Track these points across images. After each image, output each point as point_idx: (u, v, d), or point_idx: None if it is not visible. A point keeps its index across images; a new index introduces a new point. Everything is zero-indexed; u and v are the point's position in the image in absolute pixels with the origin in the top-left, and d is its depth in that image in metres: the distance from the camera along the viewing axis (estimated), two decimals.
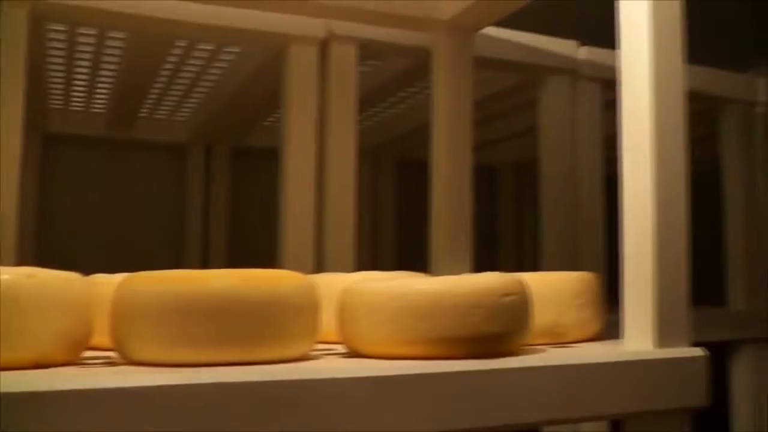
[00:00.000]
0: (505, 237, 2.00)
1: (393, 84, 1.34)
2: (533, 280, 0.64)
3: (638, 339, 0.63)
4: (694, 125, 1.47)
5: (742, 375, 1.35)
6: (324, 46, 1.08)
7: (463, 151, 1.00)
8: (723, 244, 1.40)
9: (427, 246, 1.00)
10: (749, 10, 1.66)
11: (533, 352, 0.62)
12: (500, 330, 0.56)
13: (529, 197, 1.90)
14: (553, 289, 0.68)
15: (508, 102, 1.38)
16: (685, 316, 0.63)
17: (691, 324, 0.63)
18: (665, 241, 0.62)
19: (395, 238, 1.86)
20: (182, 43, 1.16)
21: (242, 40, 1.13)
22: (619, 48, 0.67)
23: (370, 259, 1.79)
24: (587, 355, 0.60)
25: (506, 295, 0.56)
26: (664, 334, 0.62)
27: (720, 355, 1.37)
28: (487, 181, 2.03)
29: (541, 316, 0.65)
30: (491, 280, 0.57)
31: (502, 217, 2.01)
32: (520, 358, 0.57)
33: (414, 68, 1.21)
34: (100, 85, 1.38)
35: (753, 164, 1.39)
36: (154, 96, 1.46)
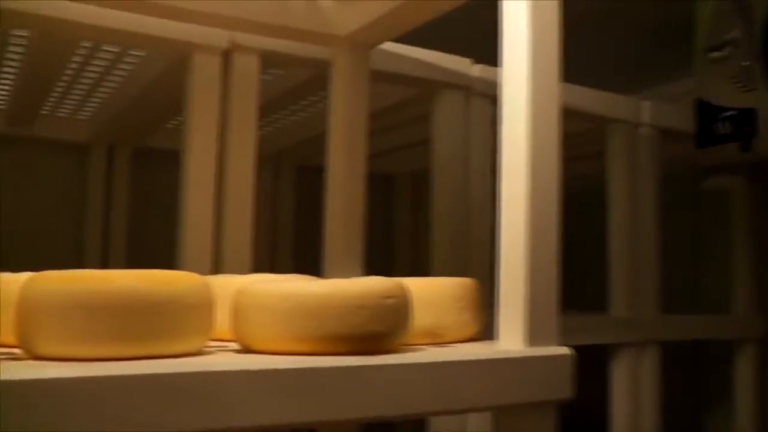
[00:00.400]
0: (401, 243, 2.07)
1: (295, 93, 1.39)
2: (416, 285, 0.71)
3: (510, 339, 0.69)
4: (585, 143, 1.57)
5: (621, 376, 1.44)
6: (227, 55, 1.11)
7: (357, 160, 1.05)
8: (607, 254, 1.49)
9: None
10: (648, 35, 1.76)
11: (413, 350, 0.68)
12: (382, 329, 0.62)
13: (426, 206, 1.97)
14: (434, 293, 0.74)
15: (407, 113, 1.44)
16: (554, 319, 0.70)
17: (559, 326, 0.70)
18: (537, 250, 0.69)
19: (293, 242, 1.90)
20: (87, 44, 1.18)
21: (147, 45, 1.15)
22: (501, 66, 0.74)
23: (268, 261, 1.83)
24: (462, 353, 0.66)
25: (388, 297, 0.62)
26: (533, 335, 0.69)
27: (602, 357, 1.47)
28: (385, 189, 2.10)
29: (422, 318, 0.71)
30: (374, 283, 0.62)
31: (398, 225, 2.08)
32: (399, 355, 0.62)
33: (315, 78, 1.26)
34: (1, 81, 1.38)
35: (637, 181, 1.49)
36: (56, 94, 1.47)
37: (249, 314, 0.62)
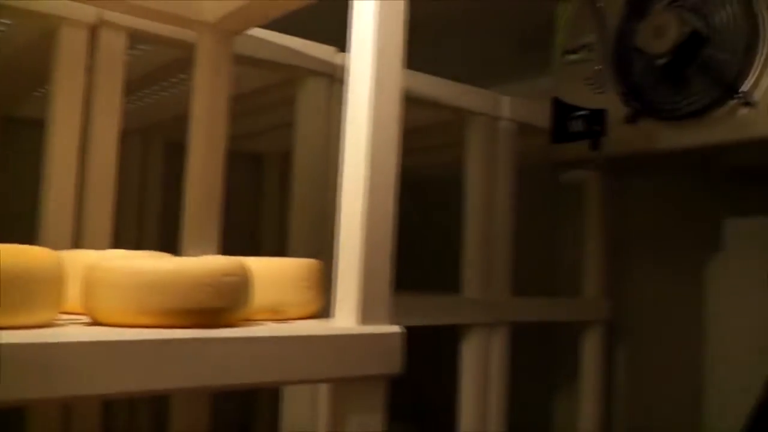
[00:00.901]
0: (269, 222, 2.13)
1: (165, 70, 1.42)
2: (259, 264, 0.77)
3: (345, 317, 0.77)
4: (445, 133, 1.66)
5: (470, 355, 1.55)
6: (94, 30, 1.14)
7: (217, 141, 1.10)
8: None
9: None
10: (514, 36, 1.87)
11: (253, 325, 0.74)
12: (221, 305, 0.68)
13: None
14: (276, 273, 0.81)
15: (277, 95, 1.49)
16: (387, 299, 0.78)
17: (391, 305, 0.78)
18: (372, 234, 0.77)
19: (161, 218, 1.93)
20: None
21: (14, 16, 1.17)
22: (348, 53, 0.81)
23: (135, 238, 1.85)
24: (296, 329, 0.73)
25: (227, 275, 0.69)
26: (366, 314, 0.76)
27: (454, 335, 1.56)
28: (255, 168, 2.14)
29: (264, 296, 0.78)
30: (216, 262, 0.69)
31: (267, 204, 2.13)
32: (237, 329, 0.69)
33: (185, 57, 1.30)
34: None
35: (494, 171, 1.59)
36: None
37: (98, 289, 0.68)
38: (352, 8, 0.81)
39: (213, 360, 0.66)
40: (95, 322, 0.70)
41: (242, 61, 1.19)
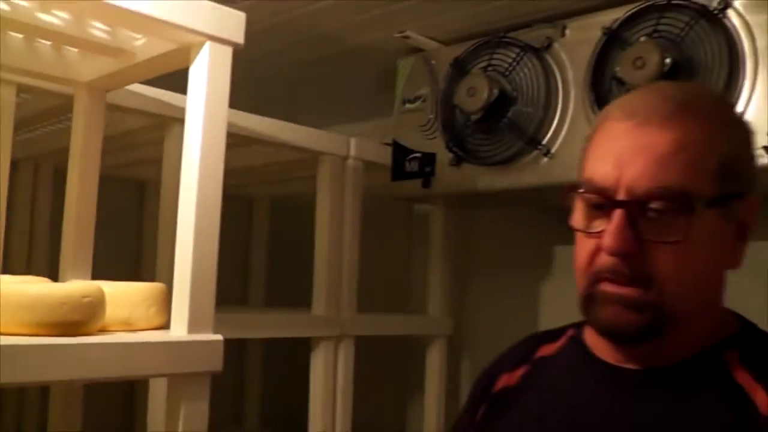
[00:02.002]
0: (151, 246, 2.37)
1: (52, 111, 1.66)
2: (115, 287, 1.05)
3: (178, 327, 1.05)
4: (303, 168, 1.94)
5: (319, 365, 1.83)
6: None
7: (91, 179, 1.35)
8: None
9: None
10: (371, 80, 2.16)
11: (106, 334, 1.02)
12: (80, 319, 0.96)
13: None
14: (127, 294, 1.09)
15: (155, 133, 1.74)
16: (211, 314, 1.07)
17: (213, 318, 1.06)
18: (198, 264, 1.06)
19: (49, 244, 2.13)
20: None
21: None
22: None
23: (24, 261, 2.07)
24: (139, 337, 1.02)
25: (85, 297, 0.96)
26: (193, 325, 1.05)
27: (306, 347, 1.85)
28: (136, 196, 2.40)
29: (118, 311, 1.06)
30: (76, 286, 0.97)
31: (147, 225, 2.37)
32: (92, 337, 0.97)
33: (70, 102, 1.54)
34: None
35: (342, 202, 1.88)
36: None
37: None
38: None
39: (76, 360, 0.93)
40: None
41: (117, 108, 1.45)
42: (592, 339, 1.00)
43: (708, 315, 0.92)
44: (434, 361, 2.12)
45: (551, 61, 1.64)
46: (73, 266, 1.31)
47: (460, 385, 2.24)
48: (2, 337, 0.90)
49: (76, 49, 1.31)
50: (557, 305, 2.06)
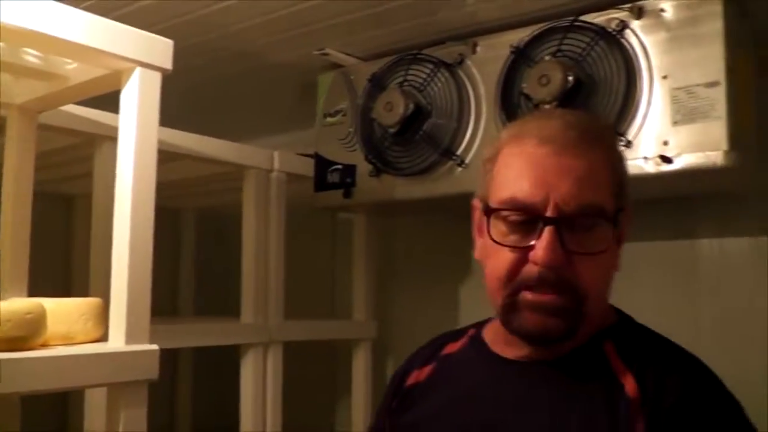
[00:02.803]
0: (82, 261, 2.39)
1: None
2: (54, 303, 1.10)
3: (117, 339, 1.11)
4: (228, 180, 2.00)
5: (248, 371, 1.89)
6: None
7: (25, 199, 1.40)
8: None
9: None
10: (296, 93, 2.23)
11: (48, 348, 1.07)
12: (23, 335, 1.01)
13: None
14: (65, 310, 1.14)
15: (85, 150, 1.78)
16: (146, 325, 1.13)
17: (148, 329, 1.12)
18: (134, 276, 1.11)
19: None
20: None
21: None
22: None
23: None
24: (79, 350, 1.07)
25: (28, 313, 1.01)
26: (131, 336, 1.10)
27: (235, 355, 1.91)
28: (64, 210, 2.41)
29: (57, 326, 1.11)
30: (19, 304, 1.02)
31: (78, 244, 2.39)
32: (36, 351, 1.03)
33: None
34: None
35: (267, 213, 1.95)
36: None
37: None
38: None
39: (17, 374, 0.98)
40: None
41: (48, 128, 1.49)
42: (491, 336, 1.11)
43: (598, 311, 1.03)
44: (360, 363, 2.20)
45: (463, 76, 1.73)
46: (11, 284, 1.35)
47: (385, 384, 2.31)
48: None
49: (8, 74, 1.35)
50: (474, 308, 2.12)
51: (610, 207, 0.97)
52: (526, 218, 0.96)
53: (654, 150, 1.47)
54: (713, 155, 1.41)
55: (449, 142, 1.73)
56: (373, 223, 2.26)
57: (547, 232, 0.93)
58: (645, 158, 1.47)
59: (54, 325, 1.10)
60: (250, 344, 1.89)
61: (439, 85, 1.76)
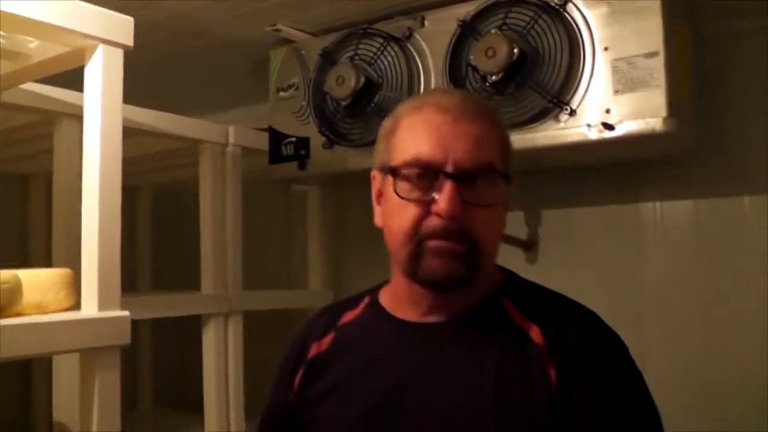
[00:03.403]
0: (37, 236, 2.42)
1: None
2: (27, 274, 1.14)
3: (89, 306, 1.16)
4: (186, 155, 2.04)
5: (210, 340, 1.94)
6: None
7: None
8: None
9: None
10: (249, 69, 2.27)
11: (23, 317, 1.11)
12: (0, 304, 1.05)
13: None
14: (38, 280, 1.19)
15: (43, 128, 1.80)
16: (117, 293, 1.18)
17: (119, 296, 1.17)
18: (104, 247, 1.16)
19: None
20: None
21: None
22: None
23: None
24: (53, 318, 1.12)
25: (4, 283, 1.06)
26: (103, 304, 1.15)
27: (194, 328, 1.96)
28: (20, 189, 2.43)
29: (31, 296, 1.15)
30: None
31: (33, 217, 2.42)
32: (12, 320, 1.07)
33: None
34: None
35: (223, 187, 2.00)
36: None
37: None
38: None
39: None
40: None
41: (10, 107, 1.52)
42: (388, 301, 1.16)
43: (490, 267, 1.12)
44: None
45: (412, 50, 1.79)
46: None
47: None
48: None
49: None
50: None
51: (501, 167, 1.07)
52: (427, 174, 1.03)
53: (597, 118, 1.54)
54: (653, 122, 1.49)
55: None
56: (327, 194, 2.32)
57: (448, 185, 1.01)
58: (588, 125, 1.54)
59: (28, 295, 1.15)
60: (211, 314, 1.94)
61: (389, 58, 1.81)
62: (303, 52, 1.97)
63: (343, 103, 1.83)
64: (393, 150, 1.09)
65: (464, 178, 1.02)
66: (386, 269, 2.28)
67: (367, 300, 1.20)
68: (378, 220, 1.14)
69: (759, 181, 1.73)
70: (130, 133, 1.77)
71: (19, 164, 2.28)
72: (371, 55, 1.84)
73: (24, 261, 2.30)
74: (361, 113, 1.84)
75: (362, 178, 2.09)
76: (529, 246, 2.01)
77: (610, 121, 1.52)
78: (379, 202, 1.14)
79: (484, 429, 0.99)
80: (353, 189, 2.37)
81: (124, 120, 1.69)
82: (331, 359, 1.15)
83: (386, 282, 1.19)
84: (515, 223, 2.00)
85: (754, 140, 1.73)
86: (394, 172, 1.05)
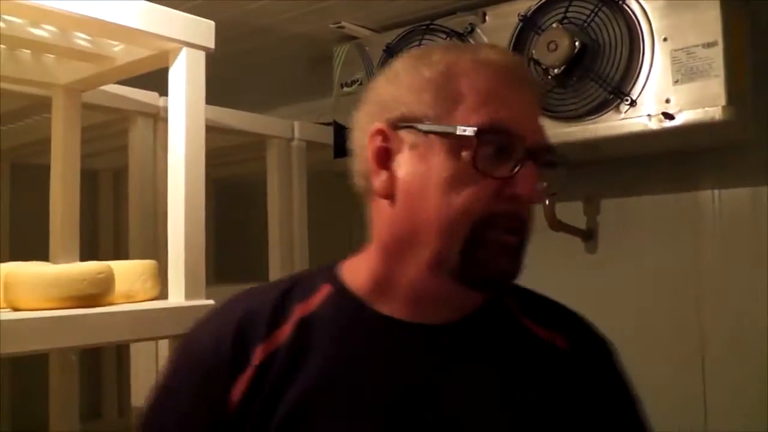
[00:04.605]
0: (105, 225, 2.51)
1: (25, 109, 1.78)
2: (117, 264, 1.22)
3: (177, 295, 1.23)
4: (251, 150, 2.11)
5: None
6: None
7: (73, 169, 1.51)
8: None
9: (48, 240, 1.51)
10: (312, 65, 2.33)
11: (116, 305, 1.19)
12: (96, 292, 1.13)
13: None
14: (127, 270, 1.26)
15: (115, 127, 1.88)
16: (202, 282, 1.25)
17: (204, 286, 1.24)
18: (190, 239, 1.22)
19: (8, 235, 2.26)
20: None
21: None
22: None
23: None
24: (147, 306, 1.19)
25: (100, 273, 1.13)
26: (189, 293, 1.22)
27: None
28: (90, 183, 2.52)
29: (121, 286, 1.22)
30: (91, 265, 1.14)
31: (101, 212, 2.52)
32: (108, 308, 1.14)
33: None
34: None
35: (290, 180, 2.06)
36: None
37: (17, 285, 1.10)
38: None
39: (91, 327, 1.10)
40: (16, 310, 1.12)
41: (90, 106, 1.59)
42: (366, 293, 0.92)
43: None
44: None
45: None
46: (64, 251, 1.46)
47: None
48: (38, 312, 1.06)
49: (52, 56, 1.45)
50: None
51: None
52: (508, 147, 0.84)
53: (656, 108, 1.57)
54: (712, 110, 1.51)
55: None
56: None
57: (531, 165, 0.84)
58: (648, 116, 1.57)
59: (118, 285, 1.22)
60: None
61: None
62: (366, 48, 2.02)
63: None
64: (453, 104, 0.85)
65: (542, 159, 0.86)
66: None
67: (329, 289, 0.93)
68: (384, 188, 0.89)
69: None
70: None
71: (91, 161, 2.36)
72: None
73: (93, 253, 2.39)
74: None
75: None
76: (589, 235, 2.04)
77: (670, 111, 1.55)
78: (386, 166, 0.89)
79: None
80: None
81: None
82: (296, 365, 0.87)
83: (336, 264, 0.98)
84: (574, 213, 2.04)
85: None
86: (480, 133, 0.82)
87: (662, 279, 1.93)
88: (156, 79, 1.49)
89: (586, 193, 2.05)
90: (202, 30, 1.29)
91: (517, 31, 1.74)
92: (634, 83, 1.60)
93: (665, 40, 1.57)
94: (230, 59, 2.24)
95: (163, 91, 1.74)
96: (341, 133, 2.07)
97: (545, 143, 0.88)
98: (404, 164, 0.87)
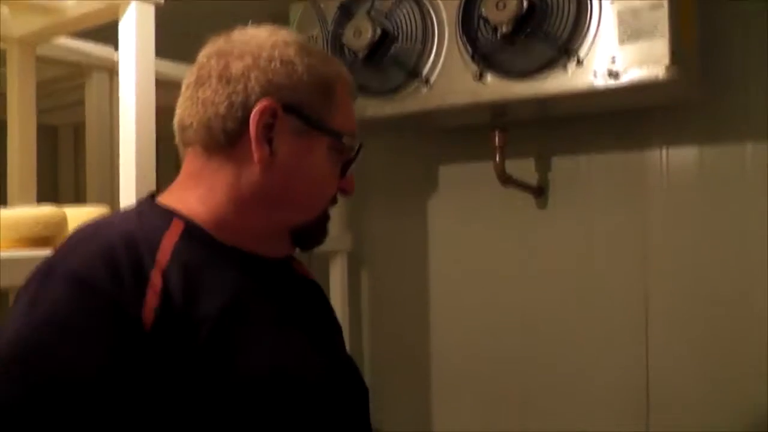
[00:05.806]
0: (65, 179, 2.56)
1: None
2: (69, 210, 1.27)
3: None
4: None
5: None
6: None
7: (28, 120, 1.55)
8: None
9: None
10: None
11: None
12: (50, 235, 1.18)
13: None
14: (80, 216, 1.31)
15: (73, 82, 1.93)
16: None
17: None
18: (141, 190, 1.27)
19: None
20: None
21: None
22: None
23: None
24: None
25: (53, 218, 1.19)
26: None
27: None
28: (51, 138, 2.56)
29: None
30: (45, 210, 1.19)
31: (62, 166, 2.56)
32: None
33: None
34: None
35: None
36: None
37: None
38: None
39: None
40: None
41: (43, 60, 1.63)
42: (215, 231, 0.97)
43: None
44: (337, 273, 2.36)
45: (427, 3, 1.89)
46: (21, 198, 1.51)
47: (361, 293, 2.52)
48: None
49: (7, 9, 1.49)
50: (442, 221, 2.37)
51: None
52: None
53: (603, 66, 1.63)
54: (656, 69, 1.58)
55: (415, 64, 1.89)
56: None
57: (351, 170, 1.06)
58: (595, 74, 1.64)
59: (70, 229, 1.27)
60: None
61: (405, 11, 1.91)
62: (322, 5, 2.07)
63: (360, 55, 1.93)
64: (334, 110, 1.00)
65: None
66: (405, 213, 2.40)
67: (180, 223, 0.95)
68: (262, 159, 0.95)
69: (760, 127, 1.82)
70: (158, 85, 1.90)
71: (49, 116, 2.40)
72: (387, 8, 1.93)
73: (54, 201, 2.42)
74: (379, 64, 1.94)
75: (381, 126, 2.21)
76: (540, 192, 2.11)
77: (615, 69, 1.62)
78: (267, 140, 0.95)
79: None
80: (371, 136, 2.47)
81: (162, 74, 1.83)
82: (194, 286, 0.89)
83: (151, 201, 1.00)
84: (526, 170, 2.11)
85: (756, 88, 1.82)
86: (338, 137, 1.00)
87: (610, 235, 2.01)
88: (115, 34, 1.52)
89: (537, 150, 2.12)
90: None
91: None
92: (582, 42, 1.66)
93: (612, 1, 1.63)
94: (188, 15, 2.27)
95: None
96: None
97: None
98: (287, 147, 0.97)
